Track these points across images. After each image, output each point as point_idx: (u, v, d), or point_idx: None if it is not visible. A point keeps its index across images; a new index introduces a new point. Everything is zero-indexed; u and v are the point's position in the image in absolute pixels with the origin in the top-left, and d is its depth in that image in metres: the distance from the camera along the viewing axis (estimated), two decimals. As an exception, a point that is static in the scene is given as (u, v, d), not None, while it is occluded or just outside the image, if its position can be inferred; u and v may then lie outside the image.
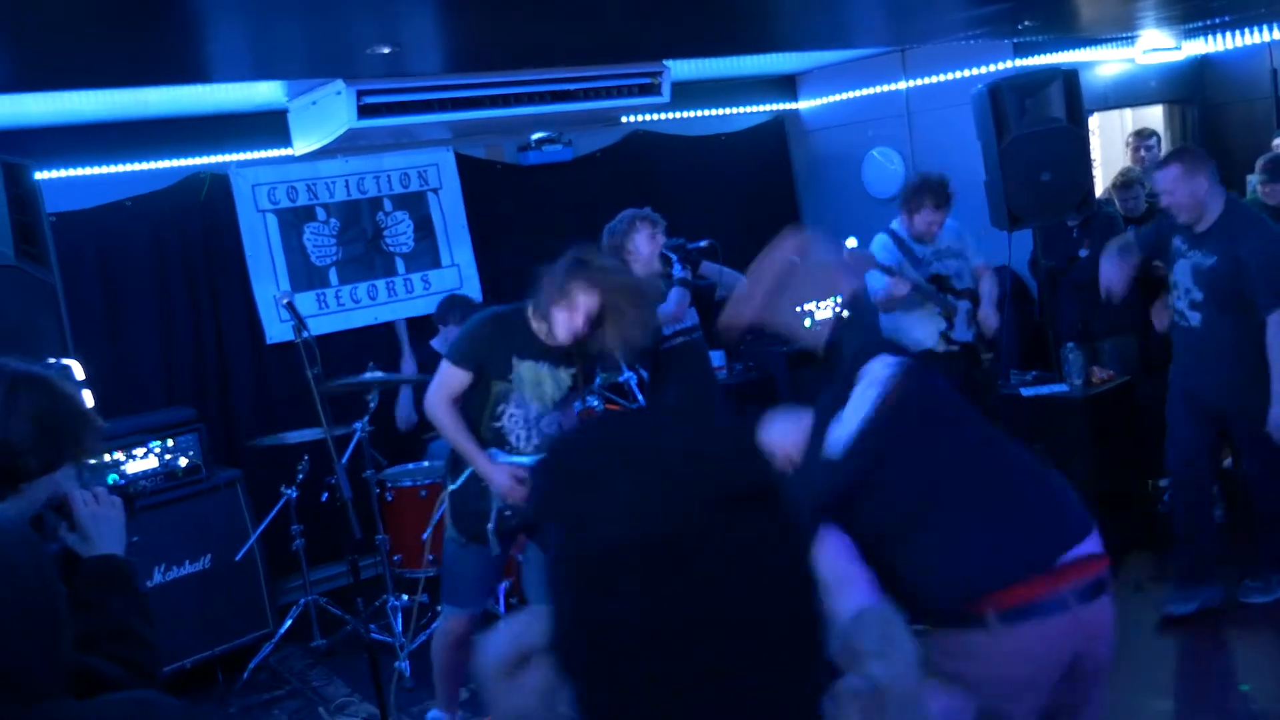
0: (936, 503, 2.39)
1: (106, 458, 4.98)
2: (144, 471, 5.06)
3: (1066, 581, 2.31)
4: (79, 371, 2.72)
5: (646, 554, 0.89)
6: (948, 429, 2.49)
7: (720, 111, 7.83)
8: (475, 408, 3.86)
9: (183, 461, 5.19)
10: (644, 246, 4.80)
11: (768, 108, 8.07)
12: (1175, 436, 4.72)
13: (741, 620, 0.90)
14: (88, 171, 5.66)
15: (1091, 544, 2.37)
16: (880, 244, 5.41)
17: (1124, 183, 6.42)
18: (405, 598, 5.39)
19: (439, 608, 4.23)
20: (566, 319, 3.72)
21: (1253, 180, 6.44)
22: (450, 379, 3.83)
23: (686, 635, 0.88)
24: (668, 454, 0.95)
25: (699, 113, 7.68)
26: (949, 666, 2.25)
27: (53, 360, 2.60)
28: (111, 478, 4.97)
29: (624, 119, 7.21)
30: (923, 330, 5.33)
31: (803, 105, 8.13)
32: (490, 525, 3.86)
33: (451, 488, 3.95)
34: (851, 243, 5.00)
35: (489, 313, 3.94)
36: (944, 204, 5.32)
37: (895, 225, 5.48)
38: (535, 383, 3.83)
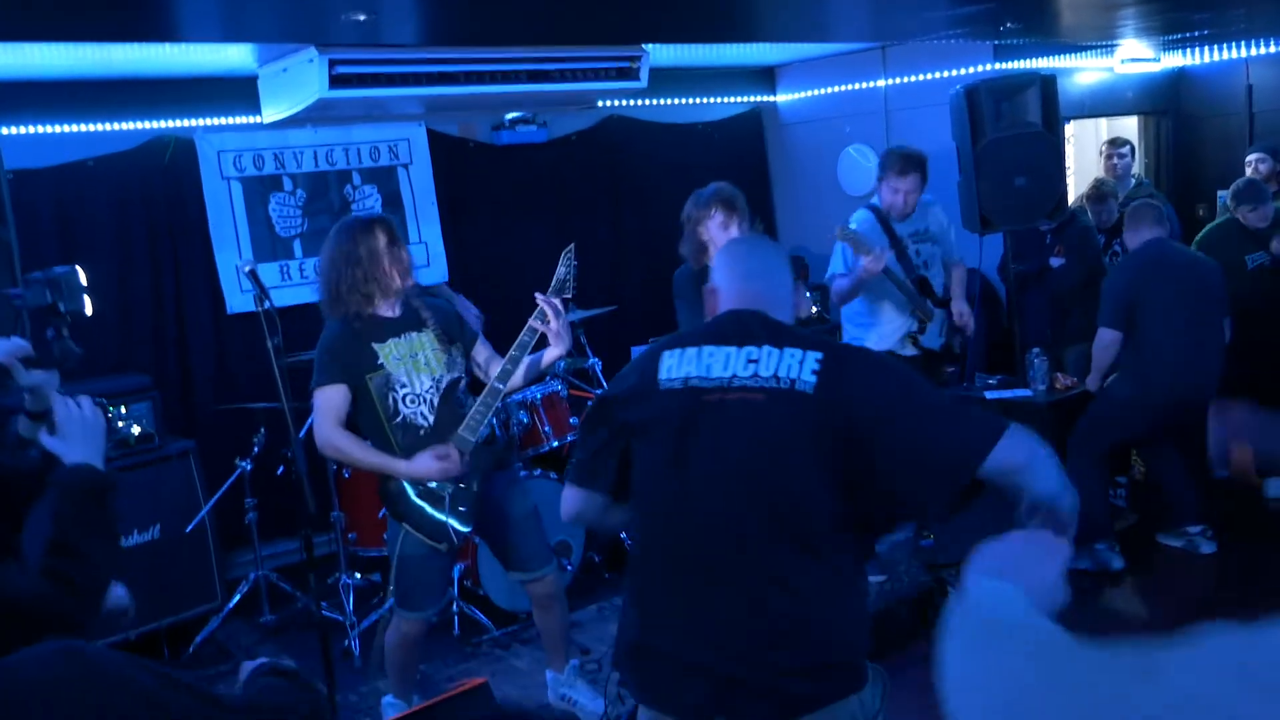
0: None
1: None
2: (95, 438, 4.95)
3: None
4: (83, 277, 2.69)
5: None
6: None
7: (698, 100, 7.78)
8: (371, 421, 3.78)
9: (135, 430, 5.09)
10: (718, 234, 4.45)
11: (746, 99, 8.03)
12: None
13: None
14: (49, 129, 5.54)
15: None
16: (861, 218, 5.29)
17: (1097, 195, 6.44)
18: (358, 576, 5.33)
19: (389, 603, 4.16)
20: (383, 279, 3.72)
21: (1223, 195, 6.48)
22: (329, 403, 3.75)
23: None
24: None
25: (676, 100, 7.64)
26: None
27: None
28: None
29: (600, 103, 7.14)
30: (890, 326, 5.24)
31: (781, 98, 8.10)
32: (463, 508, 3.78)
33: (405, 527, 3.81)
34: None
35: (325, 331, 3.88)
36: (908, 171, 5.10)
37: (875, 200, 5.36)
38: (410, 354, 3.77)
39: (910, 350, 5.23)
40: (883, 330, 5.21)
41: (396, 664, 4.03)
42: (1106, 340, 5.41)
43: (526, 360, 3.83)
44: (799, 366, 2.25)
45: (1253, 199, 5.92)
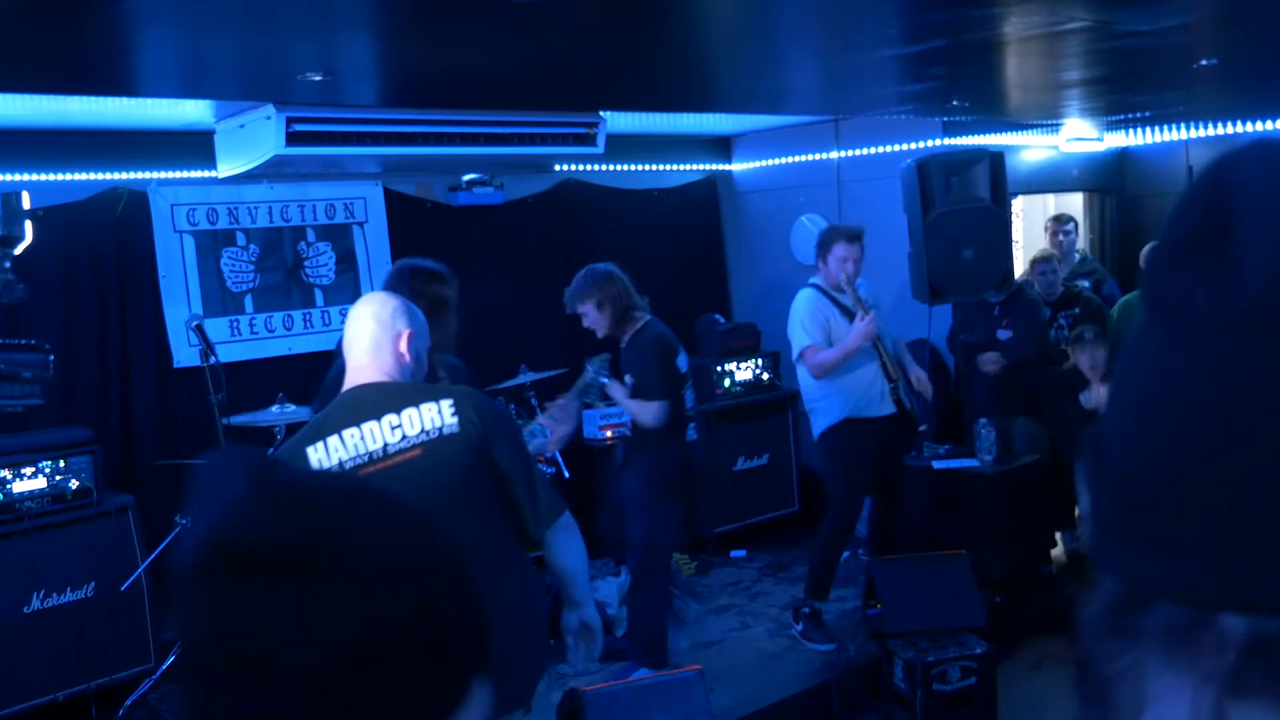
0: None
1: (-8, 475, 4.77)
2: (31, 492, 4.84)
3: None
4: (26, 201, 2.60)
5: None
6: None
7: (654, 167, 7.87)
8: None
9: (74, 484, 4.98)
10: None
11: (701, 167, 8.14)
12: None
13: None
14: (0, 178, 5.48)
15: None
16: (809, 299, 5.39)
17: (1042, 257, 6.58)
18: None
19: None
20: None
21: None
22: None
23: None
24: None
25: (633, 166, 7.72)
26: None
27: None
28: (-4, 496, 4.75)
29: (557, 167, 7.21)
30: (874, 388, 5.30)
31: (736, 167, 8.22)
32: None
33: None
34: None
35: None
36: (855, 240, 5.33)
37: (817, 280, 5.48)
38: None
39: (891, 408, 5.30)
40: (869, 393, 5.27)
41: None
42: None
43: None
44: (439, 414, 2.55)
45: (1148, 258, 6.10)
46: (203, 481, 0.80)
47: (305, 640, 0.75)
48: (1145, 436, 0.66)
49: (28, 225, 2.45)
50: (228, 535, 0.77)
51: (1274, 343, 0.60)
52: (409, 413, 2.53)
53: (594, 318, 4.80)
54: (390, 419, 2.52)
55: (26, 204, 2.47)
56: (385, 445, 2.52)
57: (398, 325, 2.63)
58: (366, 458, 2.51)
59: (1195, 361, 0.64)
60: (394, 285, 3.73)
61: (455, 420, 2.54)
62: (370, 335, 2.61)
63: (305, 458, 2.52)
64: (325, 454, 2.51)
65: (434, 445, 2.52)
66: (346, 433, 2.52)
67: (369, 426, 2.52)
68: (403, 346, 2.62)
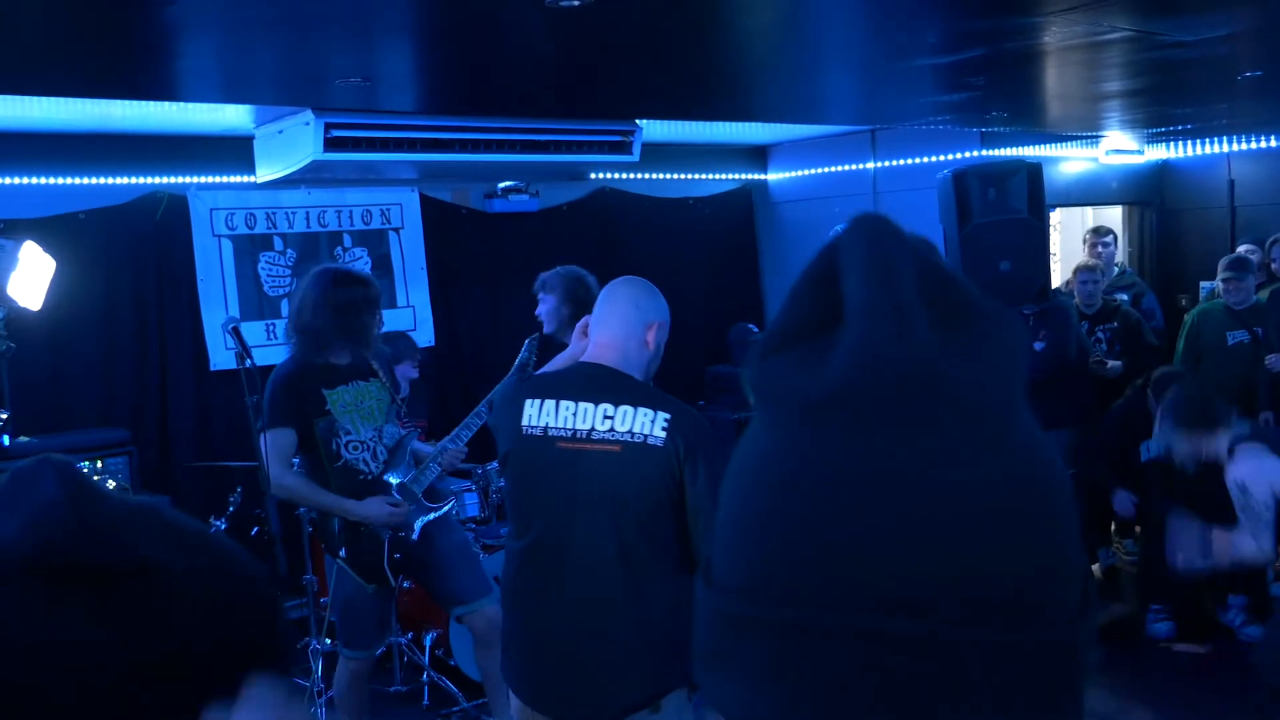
0: None
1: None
2: (69, 491, 4.90)
3: None
4: (33, 251, 2.49)
5: None
6: None
7: (689, 176, 7.87)
8: (313, 463, 3.88)
9: (111, 484, 5.03)
10: None
11: (737, 176, 8.12)
12: None
13: None
14: (42, 180, 5.55)
15: None
16: None
17: (1086, 266, 6.50)
18: (329, 642, 5.24)
19: (340, 652, 4.17)
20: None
21: (1206, 286, 6.56)
22: (280, 444, 3.81)
23: None
24: None
25: (668, 175, 7.72)
26: None
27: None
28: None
29: (593, 175, 7.22)
30: None
31: (772, 177, 8.20)
32: (385, 561, 3.90)
33: (341, 554, 3.93)
34: None
35: (276, 371, 3.94)
36: None
37: None
38: (356, 402, 3.87)
39: None
40: None
41: (350, 706, 4.14)
42: None
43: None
44: (651, 424, 2.59)
45: (1230, 269, 6.04)
46: (7, 486, 0.76)
47: (107, 655, 0.71)
48: (746, 541, 0.59)
49: (16, 277, 2.32)
50: (37, 542, 0.72)
51: (854, 434, 0.56)
52: (626, 410, 2.61)
53: (551, 309, 4.80)
54: (607, 408, 2.62)
55: (34, 254, 2.34)
56: (592, 430, 2.62)
57: (650, 316, 2.73)
58: (570, 433, 2.63)
59: (785, 454, 0.58)
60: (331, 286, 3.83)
61: (663, 435, 2.58)
62: (624, 319, 2.71)
63: (522, 407, 2.68)
64: (538, 412, 2.66)
65: (633, 449, 2.59)
66: (564, 403, 2.65)
67: (585, 407, 2.63)
68: (649, 336, 2.72)
